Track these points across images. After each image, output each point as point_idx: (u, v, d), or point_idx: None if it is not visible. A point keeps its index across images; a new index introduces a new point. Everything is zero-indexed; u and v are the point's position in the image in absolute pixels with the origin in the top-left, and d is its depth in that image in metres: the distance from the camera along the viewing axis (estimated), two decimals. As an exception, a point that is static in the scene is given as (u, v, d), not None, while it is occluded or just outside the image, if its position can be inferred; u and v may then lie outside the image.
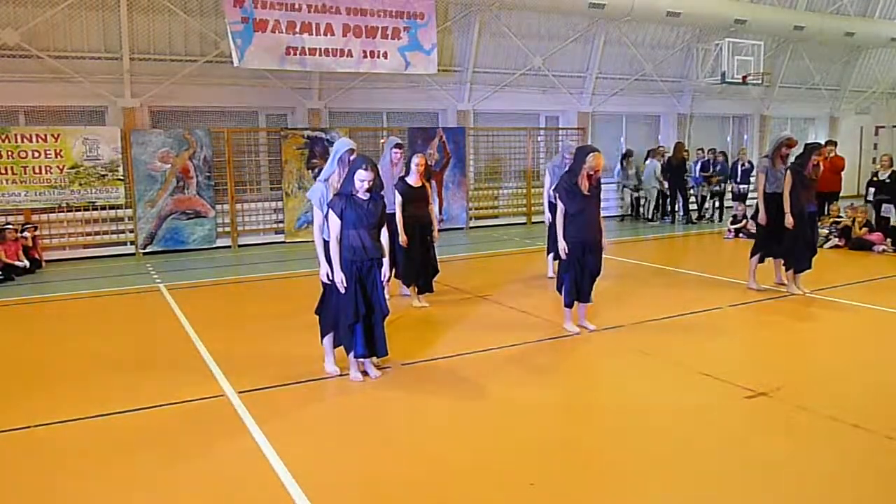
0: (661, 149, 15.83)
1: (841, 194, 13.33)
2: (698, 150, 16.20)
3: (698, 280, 8.89)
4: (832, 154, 13.02)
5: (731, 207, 14.09)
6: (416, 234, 7.29)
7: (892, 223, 10.93)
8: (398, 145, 7.48)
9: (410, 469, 3.86)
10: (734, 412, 4.57)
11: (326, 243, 5.10)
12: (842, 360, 5.67)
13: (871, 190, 12.04)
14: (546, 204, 8.47)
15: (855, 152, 19.62)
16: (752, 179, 14.46)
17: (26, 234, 10.69)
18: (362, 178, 4.90)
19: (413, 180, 7.18)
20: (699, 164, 15.70)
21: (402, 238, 7.11)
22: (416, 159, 7.16)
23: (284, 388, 5.10)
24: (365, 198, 4.99)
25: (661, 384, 5.11)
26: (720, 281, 8.75)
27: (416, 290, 7.55)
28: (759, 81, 16.82)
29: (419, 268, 7.43)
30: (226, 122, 12.94)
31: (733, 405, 4.66)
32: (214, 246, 12.45)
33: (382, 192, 5.22)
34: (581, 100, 16.31)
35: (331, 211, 4.96)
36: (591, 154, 6.07)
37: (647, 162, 15.75)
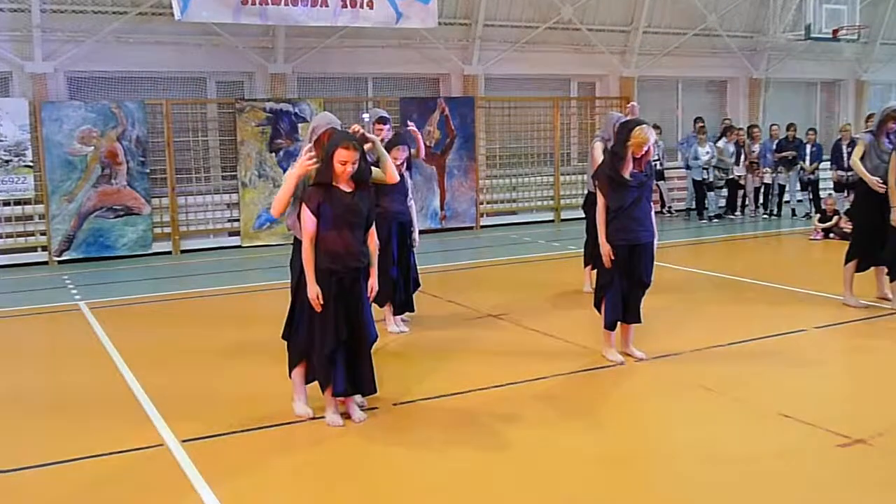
0: (738, 130, 15.72)
1: None
2: (773, 126, 16.19)
3: (778, 294, 8.89)
4: None
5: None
6: (393, 236, 7.29)
7: None
8: (381, 119, 7.47)
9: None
10: (824, 463, 4.57)
11: (300, 245, 5.11)
12: (964, 398, 5.67)
13: None
14: None
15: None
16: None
17: None
18: (343, 159, 4.90)
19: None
20: (776, 144, 15.74)
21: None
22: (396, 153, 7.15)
23: (242, 436, 5.11)
24: (348, 189, 5.01)
25: (730, 428, 5.11)
26: (805, 295, 8.75)
27: (393, 309, 7.54)
28: (855, 37, 16.83)
29: (396, 280, 7.42)
30: (165, 91, 12.98)
31: (823, 455, 4.67)
32: (150, 252, 12.48)
33: (370, 181, 5.24)
34: (624, 61, 16.34)
35: (304, 206, 4.98)
36: (637, 128, 6.10)
37: (723, 144, 15.67)
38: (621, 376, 6.22)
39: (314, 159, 5.00)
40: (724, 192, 15.85)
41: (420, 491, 4.38)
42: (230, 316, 8.64)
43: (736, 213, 15.82)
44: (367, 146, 5.57)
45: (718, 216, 15.58)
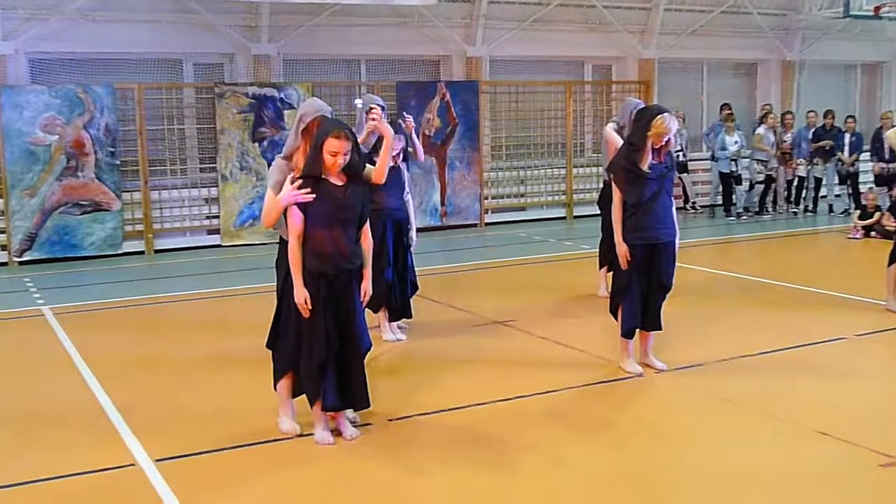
0: (773, 117, 15.65)
1: None
2: (809, 112, 16.17)
3: (813, 298, 8.90)
4: None
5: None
6: (388, 234, 7.31)
7: None
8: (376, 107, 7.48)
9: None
10: (865, 485, 4.57)
11: (286, 245, 5.12)
12: None
13: None
14: None
15: None
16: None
17: None
18: (334, 150, 4.90)
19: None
20: (812, 133, 15.70)
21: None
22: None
23: (221, 455, 5.11)
24: (340, 182, 5.01)
25: (761, 447, 5.11)
26: (844, 300, 8.75)
27: (388, 315, 7.58)
28: (899, 14, 16.83)
29: (392, 283, 7.44)
30: (137, 74, 12.99)
31: (863, 476, 4.67)
32: (121, 252, 12.49)
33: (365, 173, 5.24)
34: (644, 42, 16.34)
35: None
36: (658, 116, 6.10)
37: (763, 131, 15.59)
38: (640, 389, 6.22)
39: (308, 193, 4.90)
40: (761, 188, 15.73)
41: (418, 516, 4.39)
42: (209, 322, 8.64)
43: (766, 209, 15.75)
44: (362, 139, 5.55)
45: (747, 211, 15.54)
